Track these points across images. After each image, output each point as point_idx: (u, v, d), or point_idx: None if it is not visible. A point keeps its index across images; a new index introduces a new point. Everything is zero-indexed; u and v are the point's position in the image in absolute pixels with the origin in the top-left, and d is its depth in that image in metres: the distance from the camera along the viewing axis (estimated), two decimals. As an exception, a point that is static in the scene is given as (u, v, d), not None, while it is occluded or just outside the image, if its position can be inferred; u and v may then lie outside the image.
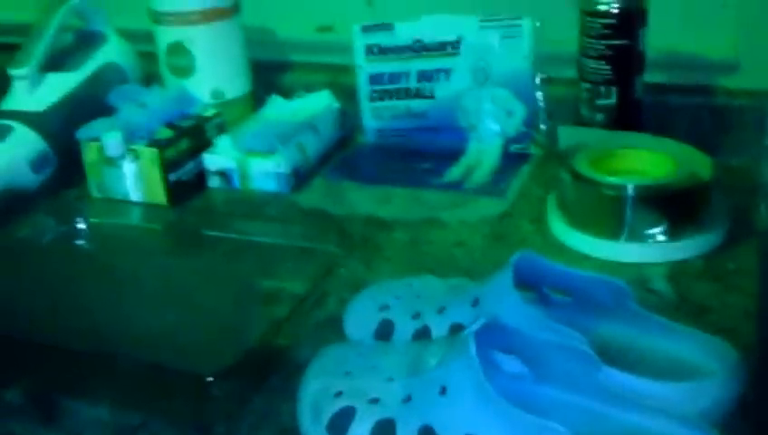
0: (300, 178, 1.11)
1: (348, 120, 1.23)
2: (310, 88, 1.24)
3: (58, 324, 0.80)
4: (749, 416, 0.64)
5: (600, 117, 1.07)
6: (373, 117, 1.21)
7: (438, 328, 0.72)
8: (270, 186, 1.09)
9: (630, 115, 1.07)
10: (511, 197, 1.04)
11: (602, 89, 1.05)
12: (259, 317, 0.78)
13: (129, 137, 1.06)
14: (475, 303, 0.71)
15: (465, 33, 1.14)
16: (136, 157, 1.05)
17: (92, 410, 0.73)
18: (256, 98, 1.25)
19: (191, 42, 1.18)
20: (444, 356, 0.63)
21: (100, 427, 0.72)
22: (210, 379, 0.67)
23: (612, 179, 0.91)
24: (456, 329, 0.70)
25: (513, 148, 1.14)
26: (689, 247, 0.89)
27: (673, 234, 0.88)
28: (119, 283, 0.87)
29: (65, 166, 1.13)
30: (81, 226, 1.00)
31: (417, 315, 0.74)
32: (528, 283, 0.73)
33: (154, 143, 1.06)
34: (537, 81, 1.13)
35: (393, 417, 0.62)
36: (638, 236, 0.89)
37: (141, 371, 0.71)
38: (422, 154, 1.16)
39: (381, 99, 1.20)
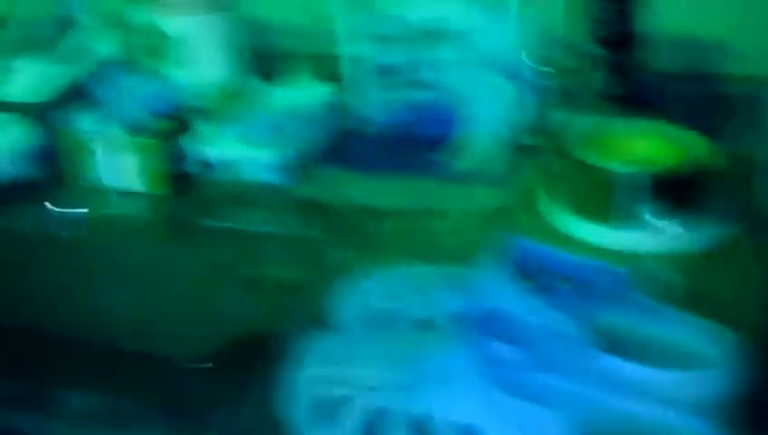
0: (294, 167, 1.09)
1: (343, 109, 1.21)
2: (305, 77, 1.22)
3: (45, 315, 0.79)
4: (751, 404, 0.62)
5: (603, 104, 1.05)
6: (368, 106, 1.19)
7: (433, 317, 0.70)
8: (263, 176, 1.07)
9: (635, 102, 1.05)
10: (507, 185, 1.02)
11: (605, 75, 1.04)
12: (249, 306, 0.76)
13: (117, 125, 1.04)
14: (471, 291, 0.69)
15: (459, 19, 1.12)
16: (125, 146, 1.03)
17: (83, 398, 0.72)
18: (250, 87, 1.22)
19: (183, 30, 1.16)
20: (440, 344, 0.61)
21: (93, 415, 0.70)
22: (204, 365, 0.65)
23: (613, 165, 0.89)
24: (452, 317, 0.68)
25: (512, 136, 1.11)
26: (694, 235, 0.87)
27: (676, 221, 0.87)
28: (105, 272, 0.86)
29: (53, 156, 1.10)
30: (67, 216, 0.98)
31: (410, 303, 0.72)
32: (526, 270, 0.71)
33: (144, 132, 1.04)
34: (534, 66, 1.11)
35: (388, 405, 0.60)
36: (640, 223, 0.87)
37: (128, 359, 0.69)
38: (417, 142, 1.14)
39: (378, 88, 1.18)
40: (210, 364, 0.66)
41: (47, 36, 1.20)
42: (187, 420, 0.69)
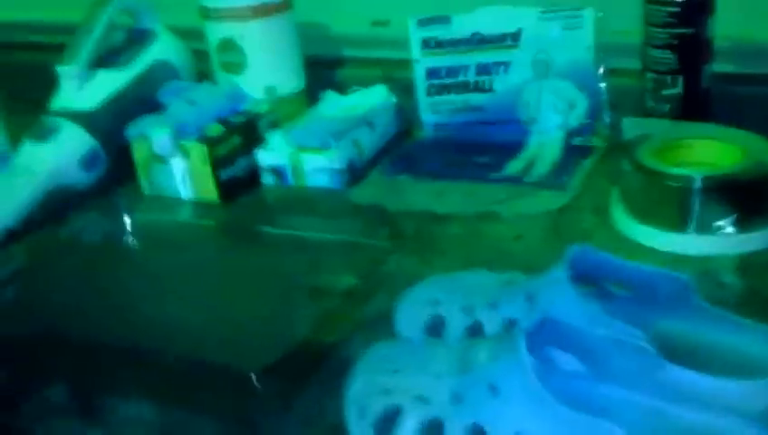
0: (354, 173, 1.08)
1: (405, 115, 1.20)
2: (365, 83, 1.22)
3: (103, 322, 0.79)
4: None
5: (665, 107, 1.04)
6: (431, 111, 1.19)
7: (491, 324, 0.69)
8: (324, 182, 1.07)
9: (697, 105, 1.03)
10: (572, 190, 1.00)
11: (668, 78, 1.02)
12: (307, 313, 0.76)
13: (179, 134, 1.05)
14: (530, 298, 0.68)
15: (524, 25, 1.11)
16: (186, 154, 1.04)
17: (134, 407, 0.72)
18: (310, 94, 1.23)
19: (242, 38, 1.16)
20: (495, 353, 0.60)
21: (143, 424, 0.70)
22: (253, 375, 0.65)
23: (678, 170, 0.87)
24: (510, 325, 0.67)
25: (576, 140, 1.10)
26: (759, 239, 0.85)
27: (742, 225, 0.85)
28: (166, 280, 0.86)
29: (116, 164, 1.11)
30: (130, 224, 0.98)
31: (468, 311, 0.71)
32: (587, 277, 0.69)
33: (204, 140, 1.04)
34: (600, 72, 1.10)
35: (441, 416, 0.59)
36: (705, 228, 0.85)
37: (185, 367, 0.69)
38: (481, 148, 1.13)
39: (439, 93, 1.17)
40: (268, 373, 0.65)
41: (117, 45, 1.21)
42: (243, 429, 0.69)
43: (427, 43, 1.16)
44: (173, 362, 0.70)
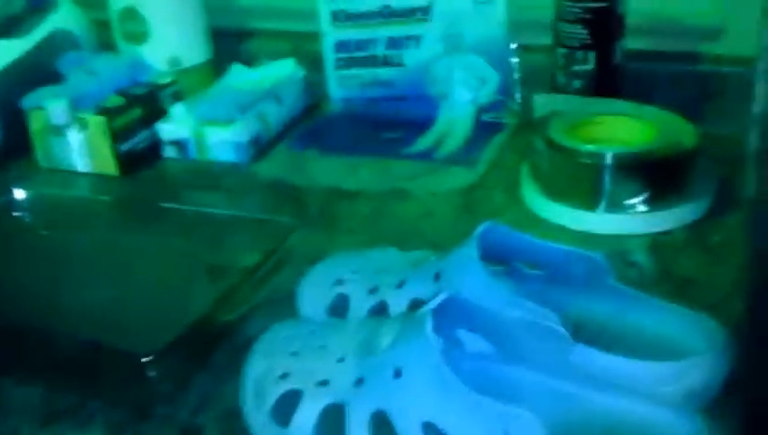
0: (260, 148, 1.05)
1: (313, 88, 1.17)
2: (273, 56, 1.19)
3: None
4: (738, 396, 0.59)
5: (577, 84, 1.02)
6: (340, 85, 1.16)
7: (397, 304, 0.67)
8: (228, 156, 1.03)
9: (610, 82, 1.02)
10: (482, 167, 0.98)
11: (579, 54, 1.00)
12: (205, 292, 0.72)
13: (77, 105, 1.00)
14: (438, 277, 0.66)
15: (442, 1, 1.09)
16: (83, 125, 0.99)
17: (21, 391, 0.68)
18: (217, 66, 1.19)
19: (145, 6, 1.12)
20: (399, 335, 0.57)
21: (29, 410, 0.66)
22: (147, 358, 0.61)
23: (590, 147, 0.86)
24: (416, 305, 0.65)
25: (486, 117, 1.09)
26: (672, 218, 0.84)
27: (655, 204, 0.84)
28: (59, 256, 0.82)
29: (12, 135, 1.06)
30: (24, 198, 0.93)
31: (374, 290, 0.68)
32: (498, 256, 0.68)
33: (103, 111, 1.00)
34: (511, 47, 1.08)
35: (343, 401, 0.56)
36: (617, 207, 0.84)
37: (76, 349, 0.65)
38: (390, 124, 1.10)
39: (348, 67, 1.15)
40: (160, 356, 0.61)
41: (15, 14, 1.15)
42: (134, 415, 0.65)
43: (336, 16, 1.13)
44: (63, 345, 0.66)
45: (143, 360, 0.61)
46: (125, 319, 0.73)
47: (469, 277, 0.62)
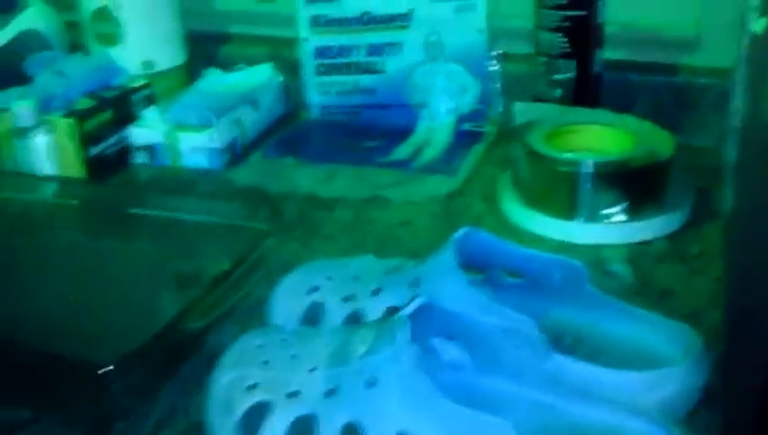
0: (236, 154, 1.04)
1: (291, 95, 1.16)
2: (251, 61, 1.17)
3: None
4: (715, 406, 0.58)
5: (556, 92, 1.01)
6: (318, 92, 1.14)
7: (372, 312, 0.65)
8: (202, 162, 1.01)
9: (589, 91, 1.01)
10: (462, 175, 0.97)
11: (559, 62, 1.00)
12: (174, 301, 0.70)
13: (44, 107, 0.98)
14: (414, 284, 0.64)
15: (416, 6, 1.08)
16: (51, 128, 0.97)
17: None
18: (193, 71, 1.17)
19: (118, 7, 1.10)
20: (373, 343, 0.55)
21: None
22: (108, 368, 0.59)
23: (568, 156, 0.86)
24: (392, 313, 0.63)
25: (467, 125, 1.08)
26: (650, 228, 0.84)
27: (633, 214, 0.83)
28: (23, 264, 0.79)
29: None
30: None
31: (349, 298, 0.67)
32: (476, 264, 0.66)
33: (71, 114, 0.98)
34: (492, 56, 1.06)
35: (314, 412, 0.54)
36: (595, 216, 0.83)
37: (34, 360, 0.63)
38: (369, 132, 1.09)
39: (327, 73, 1.13)
40: (123, 367, 0.59)
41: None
42: (89, 429, 0.63)
43: (315, 21, 1.11)
44: (20, 356, 0.63)
45: (101, 371, 0.59)
46: (88, 328, 0.70)
47: (447, 284, 0.61)
